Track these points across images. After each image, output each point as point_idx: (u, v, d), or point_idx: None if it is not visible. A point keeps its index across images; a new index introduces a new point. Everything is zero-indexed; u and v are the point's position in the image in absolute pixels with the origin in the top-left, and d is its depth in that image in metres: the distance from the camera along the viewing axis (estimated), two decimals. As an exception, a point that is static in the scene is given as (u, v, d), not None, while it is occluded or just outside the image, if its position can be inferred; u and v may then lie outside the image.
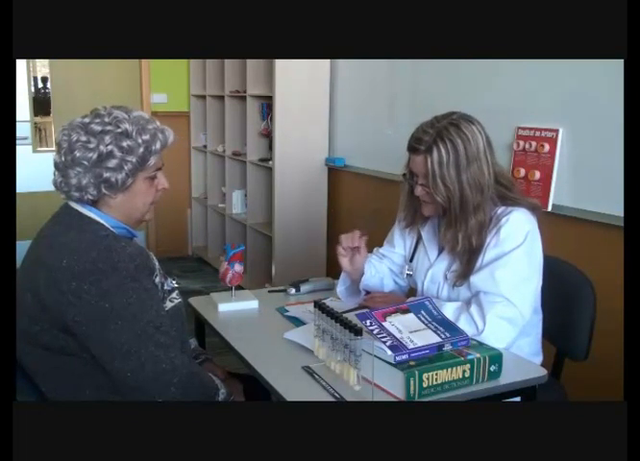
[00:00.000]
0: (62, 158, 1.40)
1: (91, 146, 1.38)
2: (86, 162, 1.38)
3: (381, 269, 1.95)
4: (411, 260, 1.88)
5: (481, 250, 1.65)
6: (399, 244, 1.95)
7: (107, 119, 1.40)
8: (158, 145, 1.44)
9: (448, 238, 1.69)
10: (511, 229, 1.63)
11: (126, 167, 1.40)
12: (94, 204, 1.44)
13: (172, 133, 1.49)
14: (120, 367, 1.32)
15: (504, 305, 1.58)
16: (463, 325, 1.56)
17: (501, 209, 1.66)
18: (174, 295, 1.50)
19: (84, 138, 1.38)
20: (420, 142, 1.62)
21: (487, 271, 1.62)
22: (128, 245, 1.39)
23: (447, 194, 1.62)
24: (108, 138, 1.39)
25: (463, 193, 1.62)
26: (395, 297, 1.86)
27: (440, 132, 1.60)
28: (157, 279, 1.44)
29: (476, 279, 1.64)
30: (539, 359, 1.78)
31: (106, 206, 1.44)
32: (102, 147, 1.38)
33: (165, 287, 1.48)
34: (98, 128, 1.39)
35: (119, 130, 1.40)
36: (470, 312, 1.60)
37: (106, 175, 1.39)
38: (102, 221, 1.42)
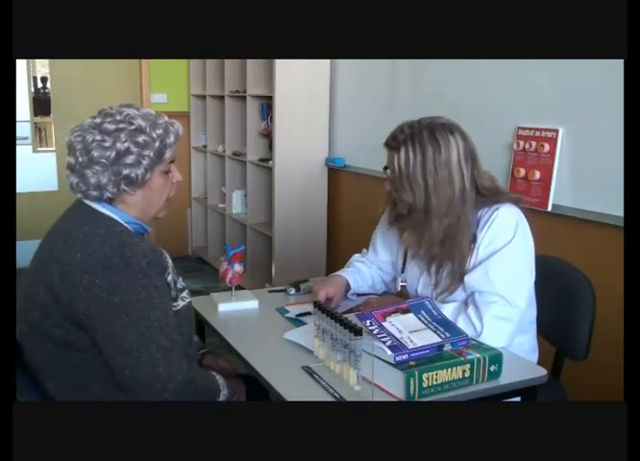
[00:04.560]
0: (79, 159, 1.40)
1: (107, 144, 1.39)
2: (104, 161, 1.39)
3: (370, 275, 1.95)
4: (403, 271, 1.86)
5: (451, 262, 1.66)
6: (382, 251, 1.94)
7: (118, 117, 1.41)
8: (172, 138, 1.46)
9: (410, 241, 1.71)
10: (500, 225, 1.62)
11: (144, 162, 1.41)
12: (110, 201, 1.44)
13: (180, 126, 1.51)
14: (121, 363, 1.32)
15: (501, 305, 1.58)
16: (461, 326, 1.55)
17: (485, 210, 1.66)
18: (184, 294, 1.50)
19: (99, 138, 1.39)
20: (394, 139, 1.66)
21: (481, 269, 1.62)
22: (141, 241, 1.40)
23: (412, 195, 1.63)
24: (123, 136, 1.40)
25: (428, 198, 1.61)
26: (391, 299, 1.85)
27: (413, 134, 1.62)
28: (169, 278, 1.43)
29: (470, 278, 1.63)
30: (536, 355, 1.78)
31: (122, 203, 1.45)
32: (119, 144, 1.39)
33: (178, 285, 1.48)
34: (112, 126, 1.40)
35: (133, 126, 1.41)
36: (467, 314, 1.59)
37: (125, 172, 1.40)
38: (116, 217, 1.43)
